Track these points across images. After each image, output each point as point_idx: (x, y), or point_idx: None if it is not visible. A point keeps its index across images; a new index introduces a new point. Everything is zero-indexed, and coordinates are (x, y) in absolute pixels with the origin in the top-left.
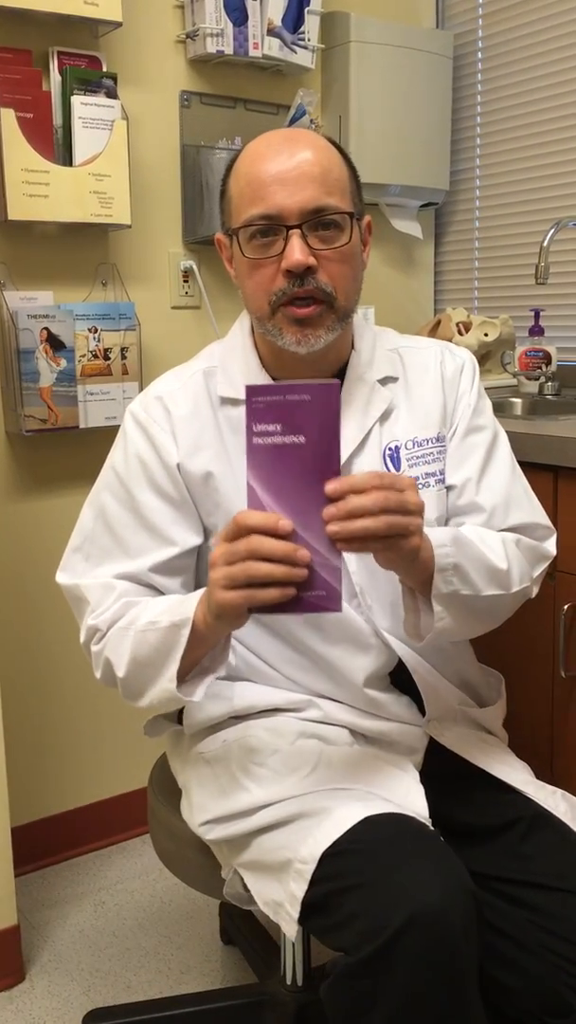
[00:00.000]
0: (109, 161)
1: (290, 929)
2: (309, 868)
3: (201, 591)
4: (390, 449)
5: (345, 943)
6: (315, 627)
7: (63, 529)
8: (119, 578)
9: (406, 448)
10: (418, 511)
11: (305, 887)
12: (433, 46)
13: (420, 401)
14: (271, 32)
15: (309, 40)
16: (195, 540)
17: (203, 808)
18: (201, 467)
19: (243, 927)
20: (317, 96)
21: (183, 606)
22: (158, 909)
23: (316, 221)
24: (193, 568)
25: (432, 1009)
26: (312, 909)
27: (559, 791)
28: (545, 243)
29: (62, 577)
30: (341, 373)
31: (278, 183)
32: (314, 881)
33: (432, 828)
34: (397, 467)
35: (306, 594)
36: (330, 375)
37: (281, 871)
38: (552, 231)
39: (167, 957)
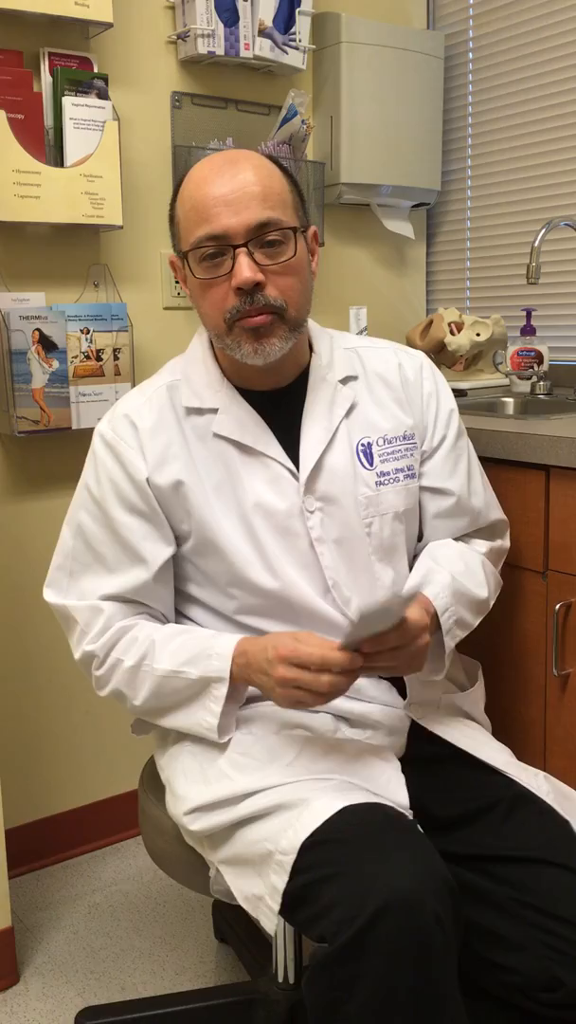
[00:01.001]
0: (100, 162)
1: (269, 923)
2: (290, 859)
3: (226, 643)
4: (362, 445)
5: (324, 932)
6: (292, 623)
7: (56, 530)
8: (105, 599)
9: (378, 445)
10: (424, 647)
11: (286, 878)
12: (424, 47)
13: (385, 400)
14: (262, 33)
15: (300, 41)
16: (168, 552)
17: (187, 798)
18: (170, 477)
19: (236, 926)
20: (308, 97)
21: (211, 661)
22: (152, 910)
23: (260, 238)
24: (172, 576)
25: (406, 996)
26: (294, 901)
27: (541, 772)
28: (536, 243)
29: (49, 595)
30: (303, 377)
31: (222, 204)
32: (294, 872)
33: (411, 817)
34: (370, 462)
35: None
36: (291, 381)
37: (262, 864)
38: (543, 231)
39: (162, 959)
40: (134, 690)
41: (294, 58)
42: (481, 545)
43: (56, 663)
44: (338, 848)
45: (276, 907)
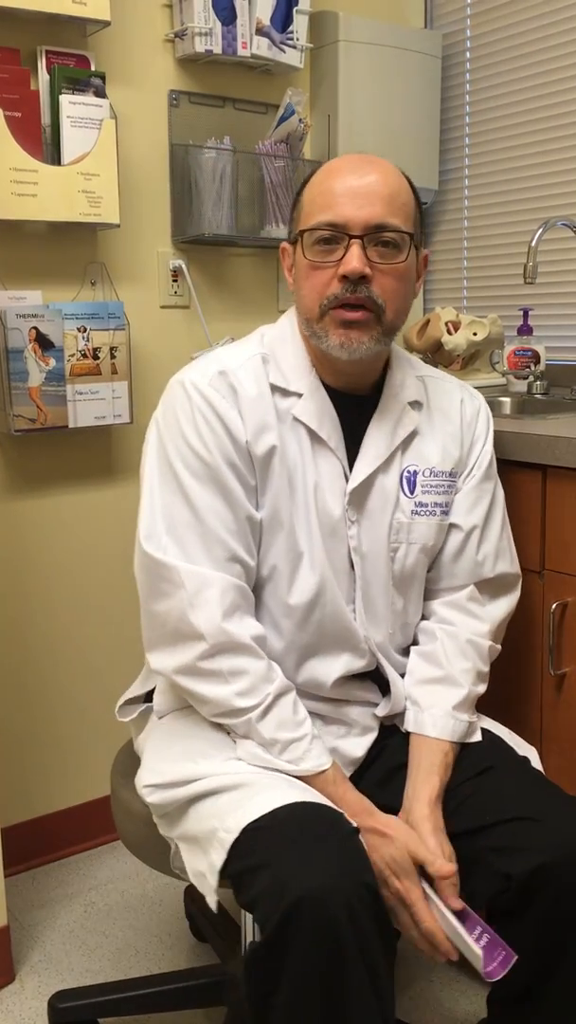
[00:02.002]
0: (98, 160)
1: (211, 900)
2: (230, 837)
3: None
4: (408, 472)
5: (257, 923)
6: (316, 623)
7: (53, 529)
8: (216, 569)
9: (423, 475)
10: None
11: (224, 856)
12: (422, 46)
13: (441, 434)
14: (260, 31)
15: (298, 39)
16: (259, 516)
17: (150, 771)
18: (266, 445)
19: (207, 910)
20: (306, 96)
21: (305, 761)
22: (148, 909)
23: (377, 236)
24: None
25: (318, 992)
26: (235, 885)
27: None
28: (533, 243)
29: (154, 549)
30: (376, 389)
31: (348, 196)
32: (234, 856)
33: (353, 825)
34: (412, 490)
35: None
36: (366, 389)
37: (207, 840)
38: (540, 231)
39: (157, 957)
40: (220, 714)
41: (292, 57)
42: (485, 620)
43: (52, 661)
44: (272, 839)
45: (214, 884)
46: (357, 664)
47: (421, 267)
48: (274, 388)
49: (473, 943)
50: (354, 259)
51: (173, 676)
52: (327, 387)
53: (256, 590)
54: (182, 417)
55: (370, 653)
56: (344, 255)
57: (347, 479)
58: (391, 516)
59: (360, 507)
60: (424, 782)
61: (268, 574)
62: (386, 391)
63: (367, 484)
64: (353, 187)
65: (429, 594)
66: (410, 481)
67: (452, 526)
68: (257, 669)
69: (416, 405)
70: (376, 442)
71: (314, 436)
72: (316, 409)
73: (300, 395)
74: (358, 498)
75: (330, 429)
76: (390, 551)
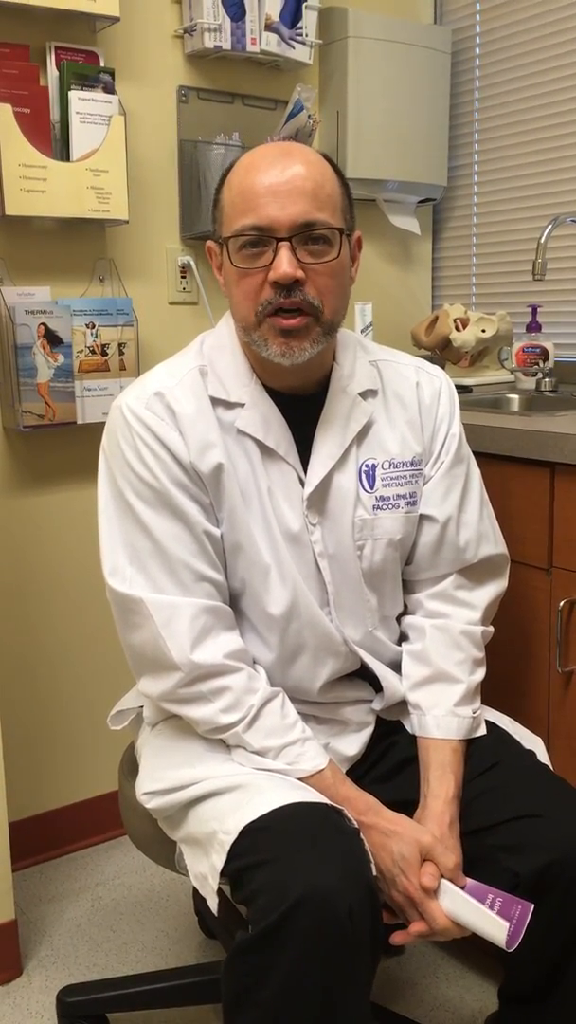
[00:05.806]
0: (107, 156)
1: (212, 902)
2: (230, 839)
3: (318, 755)
4: (366, 466)
5: (249, 918)
6: (295, 633)
7: (61, 525)
8: (183, 596)
9: (382, 468)
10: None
11: (224, 858)
12: (431, 42)
13: (398, 421)
14: (269, 27)
15: (307, 35)
16: (219, 533)
17: (149, 778)
18: (211, 462)
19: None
20: (315, 91)
21: (301, 763)
22: (155, 904)
23: (306, 235)
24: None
25: (314, 988)
26: (233, 884)
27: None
28: (543, 239)
29: (119, 584)
30: (324, 384)
31: (270, 195)
32: (234, 855)
33: (354, 825)
34: (371, 484)
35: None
36: (313, 386)
37: (207, 843)
38: (549, 227)
39: (164, 952)
40: (208, 729)
41: (301, 53)
42: (476, 606)
43: (60, 657)
44: (274, 838)
45: (216, 886)
46: (341, 666)
47: (355, 251)
48: (215, 401)
49: (497, 916)
50: (284, 264)
51: (159, 702)
52: (272, 391)
53: (233, 602)
54: (124, 444)
55: (352, 653)
56: (273, 259)
57: (303, 484)
58: (352, 514)
59: (320, 510)
60: (439, 781)
61: (240, 588)
62: (332, 386)
63: (324, 486)
64: (274, 184)
65: (413, 586)
66: (369, 476)
67: (427, 518)
68: (238, 683)
69: (370, 394)
70: (327, 441)
71: (262, 446)
72: (260, 418)
73: (243, 405)
74: (316, 501)
75: (278, 436)
76: (356, 549)
